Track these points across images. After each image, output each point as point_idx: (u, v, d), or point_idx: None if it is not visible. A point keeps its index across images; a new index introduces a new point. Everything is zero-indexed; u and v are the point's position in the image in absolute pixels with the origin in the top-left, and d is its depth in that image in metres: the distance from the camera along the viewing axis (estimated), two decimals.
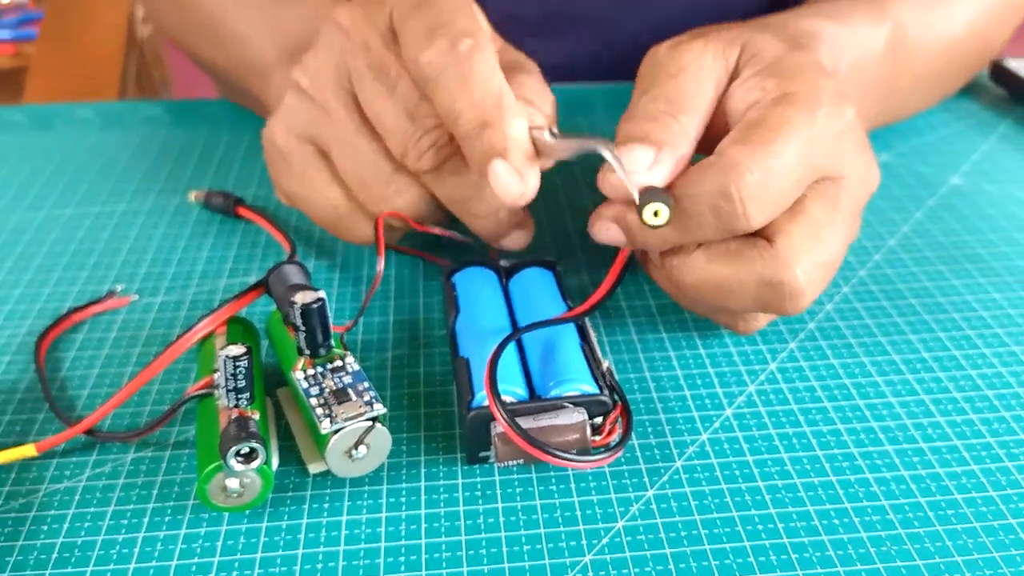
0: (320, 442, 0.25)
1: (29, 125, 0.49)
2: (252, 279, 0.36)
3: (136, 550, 0.24)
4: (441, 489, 0.26)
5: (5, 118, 0.50)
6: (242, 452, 0.24)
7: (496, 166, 0.27)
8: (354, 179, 0.32)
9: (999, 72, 0.52)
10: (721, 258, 0.27)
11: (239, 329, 0.29)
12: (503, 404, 0.25)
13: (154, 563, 0.24)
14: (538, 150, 0.28)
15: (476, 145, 0.28)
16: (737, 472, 0.27)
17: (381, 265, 0.30)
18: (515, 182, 0.27)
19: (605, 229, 0.29)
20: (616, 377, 0.28)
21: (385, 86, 0.30)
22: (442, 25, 0.29)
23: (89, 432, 0.27)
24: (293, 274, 0.29)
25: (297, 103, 0.32)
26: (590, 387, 0.26)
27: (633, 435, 0.28)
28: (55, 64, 0.98)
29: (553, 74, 0.57)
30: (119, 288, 0.35)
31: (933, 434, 0.28)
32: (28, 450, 0.27)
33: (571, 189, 0.43)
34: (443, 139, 0.30)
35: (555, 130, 0.28)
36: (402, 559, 0.24)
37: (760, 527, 0.25)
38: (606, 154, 0.26)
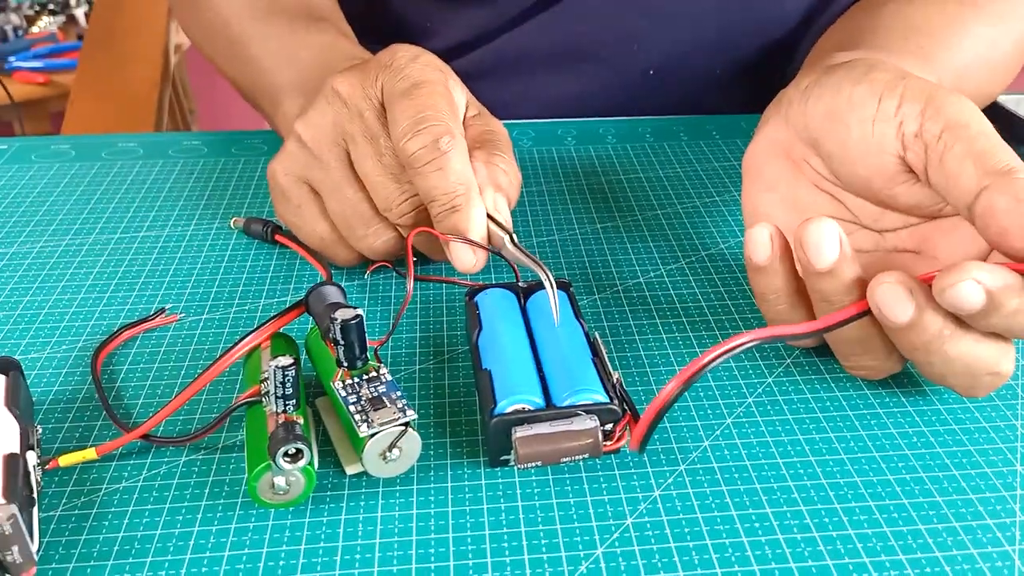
0: (357, 445, 0.28)
1: (76, 155, 0.52)
2: (288, 300, 0.38)
3: (191, 543, 0.27)
4: (466, 489, 0.29)
5: (53, 148, 0.53)
6: (289, 452, 0.26)
7: (456, 243, 0.34)
8: (340, 219, 0.37)
9: (989, 108, 0.55)
10: (989, 342, 0.29)
11: (282, 344, 0.32)
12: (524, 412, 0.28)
13: (208, 554, 0.27)
14: (491, 238, 0.35)
15: (444, 223, 0.34)
16: (736, 475, 0.29)
17: (410, 286, 0.32)
18: (469, 256, 0.34)
19: (970, 291, 0.26)
20: (625, 388, 0.30)
21: (375, 151, 0.36)
22: (427, 120, 0.34)
23: (145, 437, 0.30)
24: (331, 294, 0.31)
25: (297, 151, 0.38)
26: (601, 397, 0.29)
27: None
28: (94, 97, 1.02)
29: (565, 108, 0.60)
30: (167, 307, 0.38)
31: (918, 442, 0.30)
32: (89, 454, 0.29)
33: (579, 215, 0.46)
34: (420, 203, 0.36)
35: (515, 239, 0.35)
36: (432, 551, 0.26)
37: (757, 524, 0.27)
38: (545, 282, 0.33)
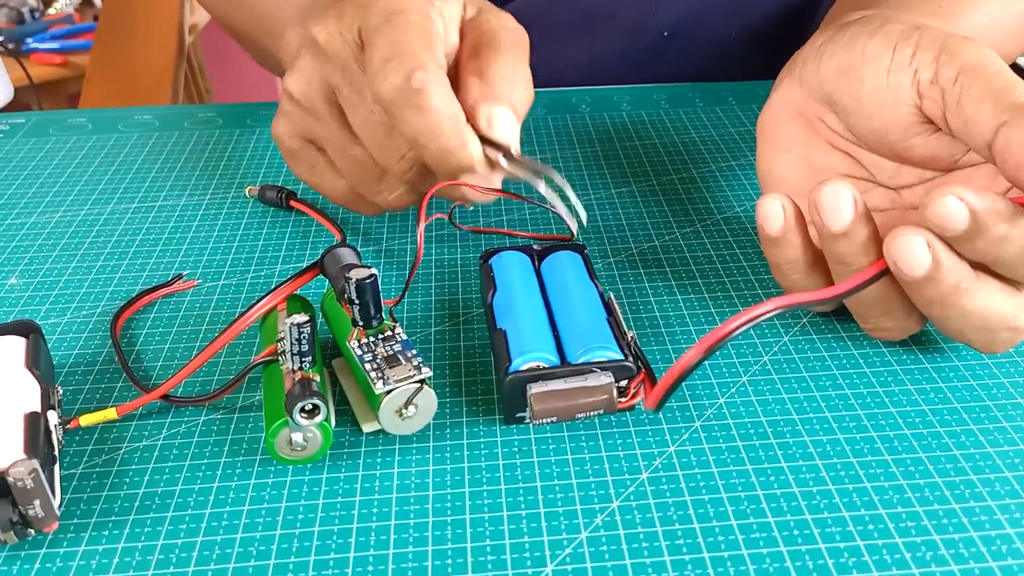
0: (374, 402, 0.28)
1: (92, 129, 0.53)
2: (304, 264, 0.39)
3: (211, 498, 0.27)
4: (482, 445, 0.29)
5: (70, 121, 0.54)
6: (306, 408, 0.27)
7: (463, 188, 0.32)
8: (351, 177, 0.36)
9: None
10: (1006, 295, 0.28)
11: (298, 305, 0.32)
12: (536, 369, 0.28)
13: (228, 508, 0.27)
14: (491, 164, 0.32)
15: (443, 168, 0.32)
16: (752, 431, 0.29)
17: (421, 240, 0.33)
18: (479, 196, 0.33)
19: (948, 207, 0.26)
20: (640, 347, 0.30)
21: (363, 104, 0.33)
22: (396, 56, 0.31)
23: (164, 397, 0.30)
24: (346, 255, 0.31)
25: (292, 108, 0.36)
26: (616, 353, 0.29)
27: None
28: (109, 76, 1.02)
29: (578, 73, 0.60)
30: (185, 273, 0.38)
31: (935, 398, 0.30)
32: (110, 413, 0.30)
33: (594, 180, 0.45)
34: (418, 159, 0.33)
35: (513, 154, 0.32)
36: (448, 505, 0.27)
37: (772, 478, 0.27)
38: (541, 188, 0.32)
